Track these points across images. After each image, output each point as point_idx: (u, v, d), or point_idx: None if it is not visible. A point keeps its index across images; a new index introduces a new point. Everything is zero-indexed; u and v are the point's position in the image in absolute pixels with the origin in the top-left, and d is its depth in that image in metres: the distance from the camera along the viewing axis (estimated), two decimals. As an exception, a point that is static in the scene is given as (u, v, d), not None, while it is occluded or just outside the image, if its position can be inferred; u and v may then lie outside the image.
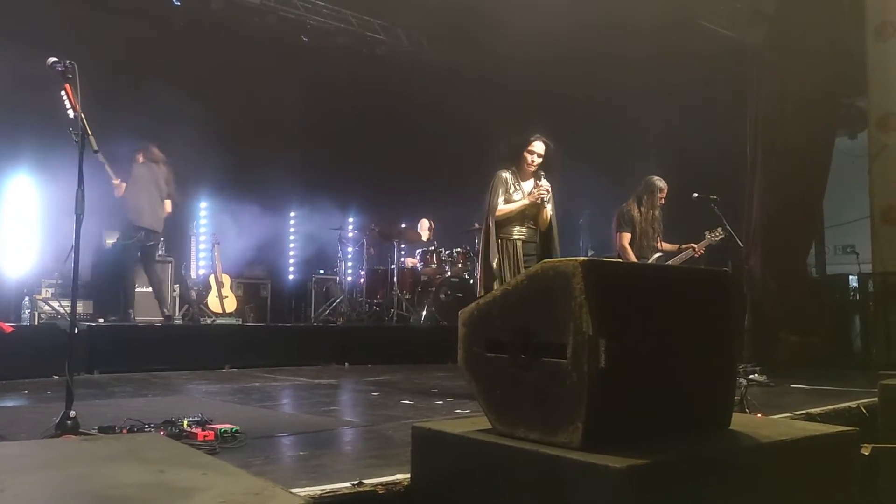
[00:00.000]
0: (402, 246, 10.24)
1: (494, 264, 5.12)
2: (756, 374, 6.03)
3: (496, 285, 5.06)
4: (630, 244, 7.01)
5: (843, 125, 9.96)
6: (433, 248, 10.13)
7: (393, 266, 9.99)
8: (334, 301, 10.29)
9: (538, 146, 5.27)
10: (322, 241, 11.12)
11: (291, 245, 11.85)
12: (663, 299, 2.45)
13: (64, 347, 3.38)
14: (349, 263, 10.78)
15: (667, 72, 9.39)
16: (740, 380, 5.41)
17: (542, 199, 5.18)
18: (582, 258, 2.24)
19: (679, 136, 9.87)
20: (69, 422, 3.13)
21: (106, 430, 3.25)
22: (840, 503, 2.57)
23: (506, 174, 5.29)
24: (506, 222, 5.22)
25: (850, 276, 9.31)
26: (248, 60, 10.24)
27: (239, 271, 10.41)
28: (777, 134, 9.12)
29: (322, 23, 10.51)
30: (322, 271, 11.05)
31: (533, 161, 5.26)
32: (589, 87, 10.25)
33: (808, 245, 9.58)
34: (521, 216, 5.24)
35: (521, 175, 5.32)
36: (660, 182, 7.07)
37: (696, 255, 7.08)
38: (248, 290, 10.54)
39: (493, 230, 5.16)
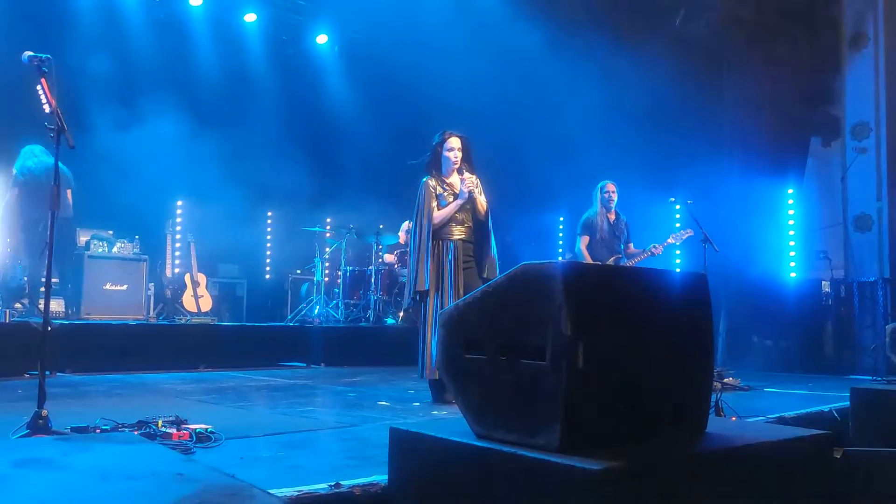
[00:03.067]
0: (380, 247, 10.21)
1: (431, 272, 5.10)
2: (731, 378, 6.09)
3: (433, 293, 5.07)
4: (588, 247, 7.32)
5: (817, 132, 10.09)
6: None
7: (370, 266, 9.96)
8: (311, 301, 10.24)
9: (454, 142, 5.26)
10: (299, 240, 11.06)
11: (268, 244, 11.79)
12: (641, 302, 2.47)
13: (36, 346, 3.32)
14: (326, 263, 10.72)
15: (645, 77, 9.45)
16: (715, 383, 5.48)
17: (472, 192, 5.17)
18: (562, 260, 2.25)
19: (657, 142, 9.92)
20: (41, 421, 3.09)
21: (79, 430, 3.21)
22: (812, 506, 2.60)
23: (431, 180, 5.27)
24: (443, 224, 5.20)
25: (823, 282, 9.42)
26: (227, 57, 10.18)
27: (215, 270, 10.33)
28: (751, 139, 9.24)
29: (303, 21, 10.47)
30: (299, 271, 10.99)
31: (455, 157, 5.24)
32: (567, 91, 10.28)
33: (782, 250, 9.69)
34: (457, 215, 5.22)
35: (446, 175, 5.30)
36: (604, 183, 7.52)
37: (656, 254, 7.36)
38: (224, 289, 10.46)
39: (426, 238, 5.14)
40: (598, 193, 7.61)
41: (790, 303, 8.91)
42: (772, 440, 2.52)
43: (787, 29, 9.05)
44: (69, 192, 7.91)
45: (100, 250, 8.43)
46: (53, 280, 7.64)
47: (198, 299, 9.32)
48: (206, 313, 9.25)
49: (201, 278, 9.47)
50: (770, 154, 9.16)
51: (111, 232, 8.77)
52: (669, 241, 7.49)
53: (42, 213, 7.65)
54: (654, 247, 7.48)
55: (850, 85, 9.20)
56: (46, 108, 3.31)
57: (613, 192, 7.57)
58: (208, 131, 9.30)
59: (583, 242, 7.55)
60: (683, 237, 7.50)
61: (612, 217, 7.56)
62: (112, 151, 8.47)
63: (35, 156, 7.67)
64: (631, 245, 7.65)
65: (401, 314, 9.61)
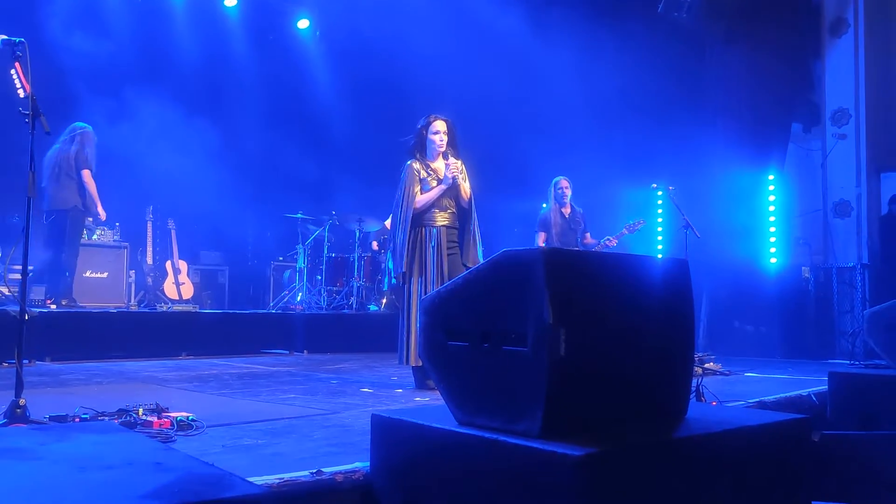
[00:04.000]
0: (363, 233, 10.19)
1: (413, 257, 5.10)
2: (712, 363, 6.14)
3: (416, 279, 5.08)
4: (546, 243, 7.66)
5: (798, 118, 10.16)
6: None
7: (353, 253, 9.94)
8: (293, 288, 10.21)
9: (440, 125, 5.21)
10: (281, 227, 11.02)
11: (250, 231, 11.72)
12: (623, 288, 2.47)
13: (14, 334, 3.28)
14: (309, 250, 10.69)
15: (627, 63, 9.45)
16: (696, 368, 5.53)
17: (456, 178, 5.14)
18: (543, 247, 2.24)
19: (639, 128, 9.95)
20: (18, 410, 3.06)
21: (57, 418, 3.18)
22: (791, 489, 2.62)
23: (415, 164, 5.22)
24: (426, 210, 5.17)
25: (803, 268, 9.50)
26: (207, 42, 10.09)
27: (196, 257, 10.27)
28: (733, 125, 9.28)
29: (283, 5, 10.39)
30: (281, 258, 10.95)
31: (441, 141, 5.19)
32: (550, 76, 10.27)
33: (762, 235, 9.77)
34: (440, 200, 5.19)
35: (430, 160, 5.26)
36: (558, 179, 7.92)
37: (610, 246, 7.60)
38: (206, 276, 10.41)
39: (407, 221, 5.11)
40: (552, 189, 7.93)
41: (770, 288, 8.98)
42: (751, 425, 2.54)
43: (769, 15, 9.08)
44: (86, 173, 7.73)
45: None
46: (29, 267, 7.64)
47: (179, 286, 9.27)
48: (187, 301, 9.20)
49: (182, 265, 9.42)
50: (751, 140, 9.20)
51: (91, 219, 8.68)
52: (623, 231, 7.81)
53: (48, 205, 7.59)
54: (608, 239, 7.82)
55: (830, 71, 9.26)
56: (21, 93, 3.27)
57: (567, 187, 7.88)
58: (189, 117, 9.23)
59: (539, 239, 7.93)
60: (637, 227, 7.80)
61: (567, 211, 7.89)
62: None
63: (57, 142, 7.56)
64: (588, 235, 7.93)
65: (383, 301, 9.61)
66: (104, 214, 7.86)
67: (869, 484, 3.64)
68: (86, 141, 7.79)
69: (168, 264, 9.31)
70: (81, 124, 7.79)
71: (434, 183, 5.19)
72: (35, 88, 3.30)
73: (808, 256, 9.56)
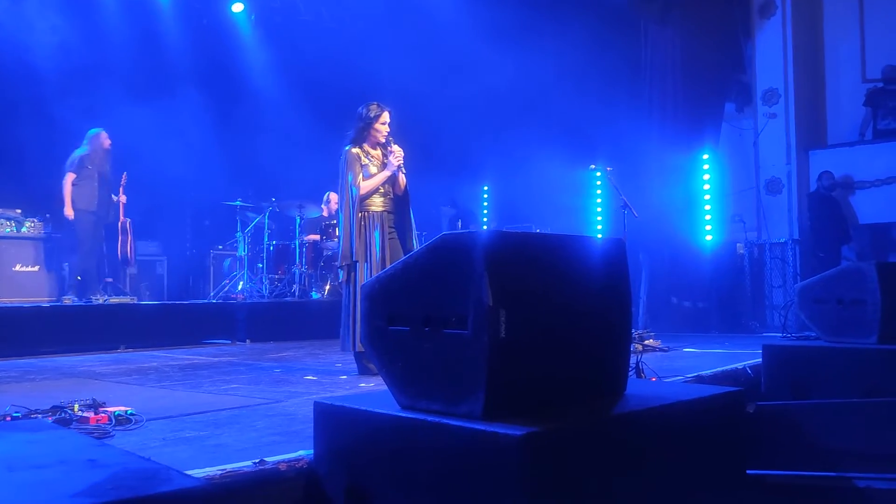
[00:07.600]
0: (304, 220, 10.07)
1: (357, 243, 5.10)
2: (651, 340, 6.26)
3: (361, 264, 5.07)
4: None
5: (732, 98, 10.40)
6: (335, 221, 9.98)
7: (294, 240, 9.83)
8: (234, 276, 10.05)
9: (387, 116, 5.27)
10: (220, 215, 10.82)
11: (188, 220, 11.47)
12: (561, 269, 2.50)
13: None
14: (249, 238, 10.53)
15: (564, 45, 9.52)
16: (636, 345, 5.64)
17: (401, 166, 5.21)
18: (482, 230, 2.25)
19: (577, 110, 10.05)
20: (-54, 410, 2.95)
21: (-13, 417, 3.08)
22: (727, 459, 2.70)
23: (354, 149, 5.23)
24: (368, 196, 5.19)
25: (738, 244, 9.76)
26: (137, 27, 9.82)
27: (133, 247, 10.01)
28: (669, 105, 9.45)
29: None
30: (221, 247, 10.76)
31: (386, 132, 5.26)
32: (487, 60, 10.29)
33: (698, 213, 10.00)
34: (381, 187, 5.23)
35: (369, 147, 5.29)
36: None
37: None
38: (144, 267, 10.17)
39: (353, 208, 5.12)
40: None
41: (706, 265, 9.21)
42: (688, 399, 2.60)
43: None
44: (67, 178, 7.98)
45: (7, 230, 8.07)
46: None
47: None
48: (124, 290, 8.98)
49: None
50: (687, 120, 9.38)
51: (19, 211, 8.40)
52: None
53: None
54: None
55: (761, 52, 9.50)
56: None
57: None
58: (122, 104, 8.96)
59: None
60: None
61: None
62: (16, 127, 8.08)
63: None
64: None
65: (326, 287, 9.53)
66: (71, 214, 8.05)
67: (802, 451, 3.77)
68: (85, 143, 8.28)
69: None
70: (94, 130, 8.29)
71: (374, 169, 5.21)
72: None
73: (742, 233, 9.83)
